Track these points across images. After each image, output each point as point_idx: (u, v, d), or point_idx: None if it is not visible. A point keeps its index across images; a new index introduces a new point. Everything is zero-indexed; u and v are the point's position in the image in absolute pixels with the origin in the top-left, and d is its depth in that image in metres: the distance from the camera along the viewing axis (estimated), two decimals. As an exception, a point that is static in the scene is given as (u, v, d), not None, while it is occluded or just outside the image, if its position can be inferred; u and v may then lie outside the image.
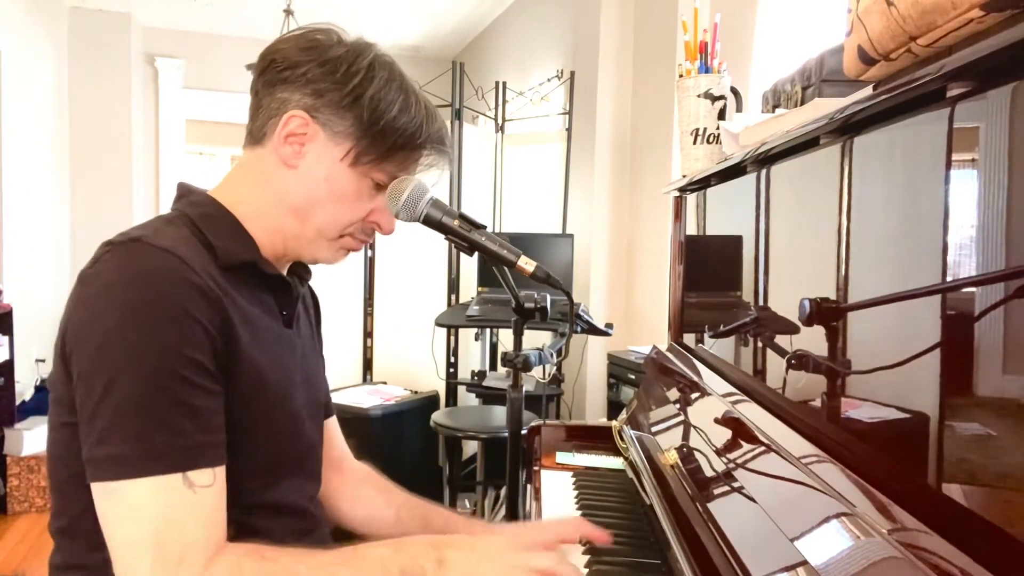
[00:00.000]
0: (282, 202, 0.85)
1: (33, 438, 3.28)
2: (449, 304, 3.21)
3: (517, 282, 1.18)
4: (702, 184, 1.32)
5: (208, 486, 0.72)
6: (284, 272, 0.92)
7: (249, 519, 0.81)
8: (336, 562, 0.75)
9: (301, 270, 0.97)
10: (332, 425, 1.09)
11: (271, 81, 0.84)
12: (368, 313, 3.39)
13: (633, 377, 2.43)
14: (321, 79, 0.82)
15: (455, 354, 3.16)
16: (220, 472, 0.73)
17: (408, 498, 1.07)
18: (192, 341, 0.72)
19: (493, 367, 3.35)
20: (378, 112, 0.83)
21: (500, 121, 3.54)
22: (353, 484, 1.07)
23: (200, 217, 0.83)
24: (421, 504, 1.06)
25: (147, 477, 0.69)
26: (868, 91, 0.68)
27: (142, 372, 0.69)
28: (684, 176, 1.39)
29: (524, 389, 1.35)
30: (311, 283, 1.03)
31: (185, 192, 0.88)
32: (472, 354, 3.39)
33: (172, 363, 0.70)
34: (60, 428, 0.77)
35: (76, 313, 0.73)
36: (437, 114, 0.89)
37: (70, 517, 0.79)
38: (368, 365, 3.41)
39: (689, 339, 1.43)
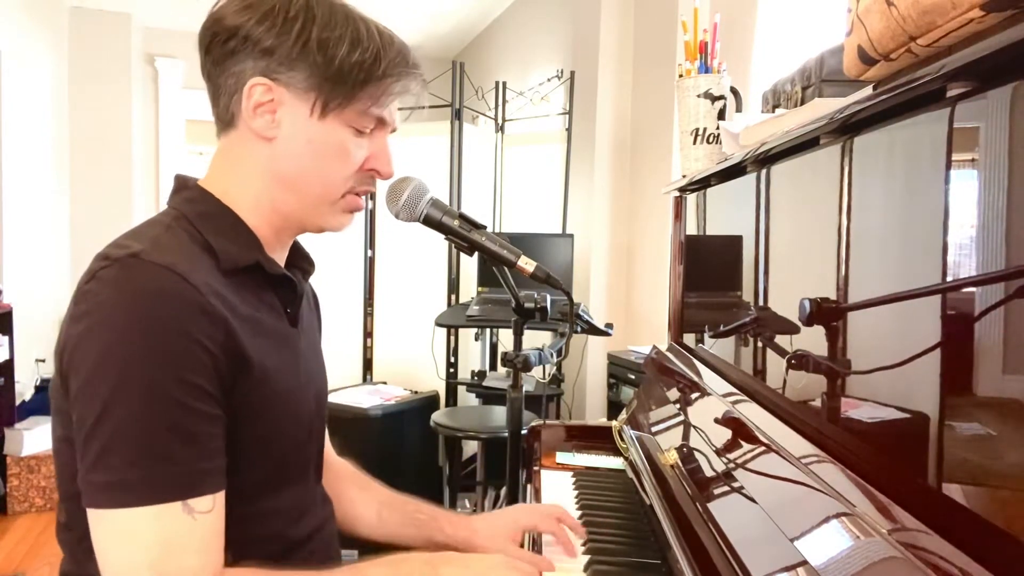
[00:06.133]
0: (272, 179, 0.81)
1: (33, 438, 3.28)
2: (449, 304, 3.21)
3: (517, 282, 1.18)
4: (702, 184, 1.32)
5: (208, 512, 0.70)
6: (284, 258, 0.89)
7: (259, 527, 0.80)
8: None
9: (304, 264, 0.94)
10: None
11: (219, 58, 0.79)
12: (368, 313, 3.39)
13: (633, 377, 2.43)
14: (265, 36, 0.77)
15: (455, 354, 3.16)
16: (219, 497, 0.72)
17: (391, 496, 1.06)
18: (192, 364, 0.69)
19: (493, 367, 3.35)
20: (329, 52, 0.77)
21: (500, 121, 3.54)
22: (334, 483, 1.04)
23: (197, 216, 0.80)
24: (404, 501, 1.05)
25: (146, 506, 0.67)
26: (868, 91, 0.68)
27: (139, 398, 0.67)
28: (684, 176, 1.39)
29: (524, 389, 1.35)
30: (309, 281, 0.99)
31: (181, 186, 0.84)
32: (472, 354, 3.39)
33: (171, 388, 0.68)
34: (63, 441, 0.75)
35: (73, 330, 0.70)
36: (394, 37, 0.82)
37: (84, 530, 0.73)
38: (368, 365, 3.41)
39: (689, 339, 1.42)
